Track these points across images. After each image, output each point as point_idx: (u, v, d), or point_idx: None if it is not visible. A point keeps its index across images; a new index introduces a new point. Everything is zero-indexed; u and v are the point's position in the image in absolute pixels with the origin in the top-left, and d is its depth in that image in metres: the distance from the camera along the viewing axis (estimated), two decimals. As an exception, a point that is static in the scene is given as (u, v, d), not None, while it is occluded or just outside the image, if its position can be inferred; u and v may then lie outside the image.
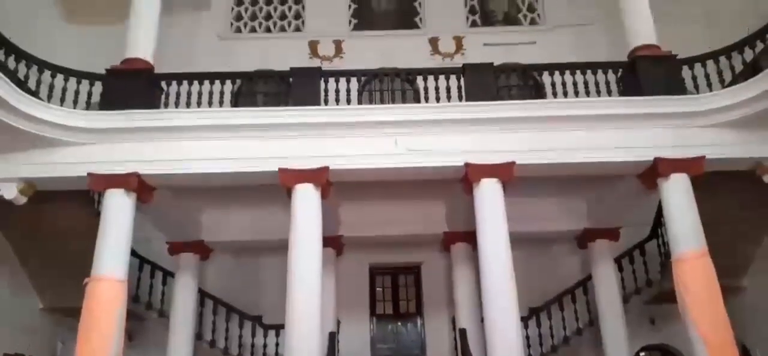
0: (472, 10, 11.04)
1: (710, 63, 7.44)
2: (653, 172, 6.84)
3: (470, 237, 7.99)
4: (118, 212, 6.66)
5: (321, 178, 6.89)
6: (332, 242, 8.66)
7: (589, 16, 10.33)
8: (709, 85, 7.32)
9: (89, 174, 6.69)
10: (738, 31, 7.79)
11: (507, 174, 6.86)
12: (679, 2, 9.89)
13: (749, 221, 7.70)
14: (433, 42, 10.64)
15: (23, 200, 6.76)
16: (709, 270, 6.36)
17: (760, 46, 7.29)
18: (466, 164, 6.87)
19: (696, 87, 7.32)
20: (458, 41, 10.60)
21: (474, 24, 10.96)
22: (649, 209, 8.50)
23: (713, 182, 6.79)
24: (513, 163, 6.84)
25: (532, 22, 10.90)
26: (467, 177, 6.94)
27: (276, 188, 6.97)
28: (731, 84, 7.10)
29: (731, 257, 7.67)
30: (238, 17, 11.02)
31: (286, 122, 7.11)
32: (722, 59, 7.43)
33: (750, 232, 7.93)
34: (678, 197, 6.70)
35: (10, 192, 6.66)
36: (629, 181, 7.45)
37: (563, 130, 6.95)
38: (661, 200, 7.05)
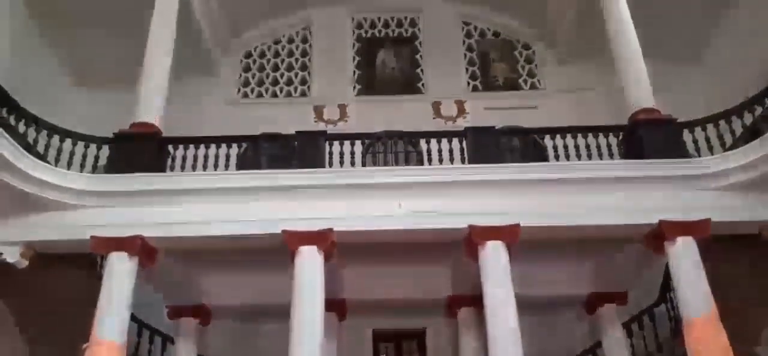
0: (473, 76, 11.30)
1: (710, 127, 7.53)
2: (659, 235, 6.80)
3: (476, 302, 7.84)
4: (120, 275, 6.60)
5: (325, 240, 6.86)
6: (335, 306, 8.51)
7: (588, 81, 10.54)
8: (711, 149, 7.38)
9: (92, 237, 6.68)
10: (736, 96, 7.96)
11: (511, 236, 6.82)
12: (677, 68, 10.11)
13: (760, 286, 7.55)
14: (436, 106, 10.84)
15: (25, 263, 6.72)
16: (720, 335, 6.20)
17: (758, 109, 7.40)
18: (470, 227, 6.85)
19: (697, 150, 7.38)
20: (460, 105, 10.80)
21: (475, 89, 11.19)
22: (656, 272, 8.39)
23: (721, 246, 6.73)
24: (517, 225, 6.82)
25: (533, 87, 11.13)
26: (471, 239, 6.90)
27: (279, 251, 6.92)
28: (732, 148, 7.16)
29: (743, 323, 7.47)
30: (246, 83, 11.29)
31: (290, 184, 7.17)
32: (722, 123, 7.53)
33: (761, 297, 7.77)
34: (685, 260, 6.63)
35: (13, 256, 6.64)
36: (635, 244, 7.39)
37: (567, 193, 6.97)
38: (668, 263, 6.97)
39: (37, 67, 9.55)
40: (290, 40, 11.71)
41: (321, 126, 10.30)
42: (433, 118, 10.72)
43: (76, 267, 7.38)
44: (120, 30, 9.53)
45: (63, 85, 10.30)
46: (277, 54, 11.57)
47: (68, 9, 9.42)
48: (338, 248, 7.08)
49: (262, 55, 11.57)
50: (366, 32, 11.80)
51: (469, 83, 11.21)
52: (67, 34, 9.84)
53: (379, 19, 11.89)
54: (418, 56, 11.58)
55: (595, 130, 7.76)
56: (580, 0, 9.64)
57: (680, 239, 6.67)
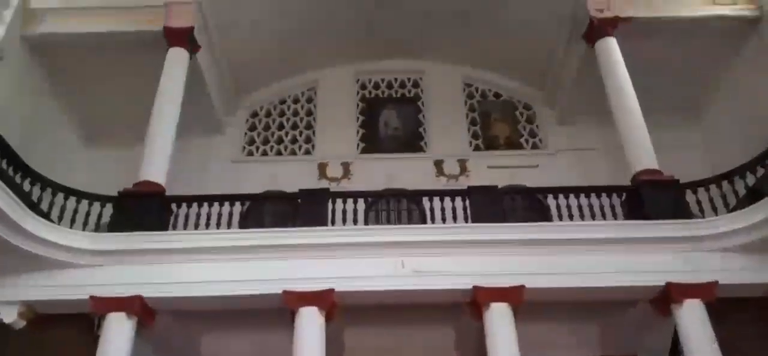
0: (474, 136, 11.40)
1: (713, 188, 7.56)
2: (666, 297, 6.71)
3: (481, 366, 7.65)
4: (117, 336, 6.51)
5: (326, 301, 6.78)
6: (336, 370, 8.30)
7: (589, 141, 10.61)
8: (714, 210, 7.38)
9: (91, 297, 6.63)
10: (736, 155, 8.01)
11: (516, 298, 6.73)
12: (676, 126, 10.19)
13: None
14: (438, 164, 10.88)
15: (22, 323, 6.64)
16: (735, 403, 6.01)
17: (760, 171, 7.42)
18: (475, 288, 6.77)
19: (701, 211, 7.37)
20: (463, 164, 10.84)
21: (477, 148, 11.25)
22: (666, 334, 8.18)
23: (729, 309, 6.61)
24: (522, 286, 6.74)
25: (534, 146, 11.18)
26: (476, 301, 6.81)
27: (279, 311, 6.83)
28: (736, 208, 7.15)
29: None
30: (251, 142, 11.40)
31: (292, 242, 7.15)
32: (725, 184, 7.55)
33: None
34: (693, 323, 6.53)
35: (10, 315, 6.56)
36: (643, 306, 7.26)
37: (572, 253, 6.93)
38: (676, 326, 6.84)
39: (49, 126, 9.67)
40: (296, 100, 11.89)
41: (324, 183, 10.35)
42: (436, 176, 10.74)
43: (73, 327, 7.26)
44: (130, 89, 9.71)
45: (73, 143, 10.39)
46: (282, 113, 11.73)
47: (81, 68, 9.60)
48: (340, 309, 6.97)
49: (268, 114, 11.72)
50: (370, 92, 12.00)
51: (471, 142, 11.28)
52: (79, 93, 10.00)
53: (382, 80, 12.11)
54: (420, 116, 11.73)
55: (598, 190, 7.78)
56: (579, 62, 9.83)
57: (687, 302, 6.59)
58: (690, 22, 9.21)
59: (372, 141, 11.46)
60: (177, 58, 8.70)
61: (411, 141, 11.48)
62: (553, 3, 9.75)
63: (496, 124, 11.55)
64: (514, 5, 10.27)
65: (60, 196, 7.55)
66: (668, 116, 9.97)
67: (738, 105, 9.78)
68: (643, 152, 7.73)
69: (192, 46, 9.02)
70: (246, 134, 11.45)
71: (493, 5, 10.44)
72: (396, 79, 12.11)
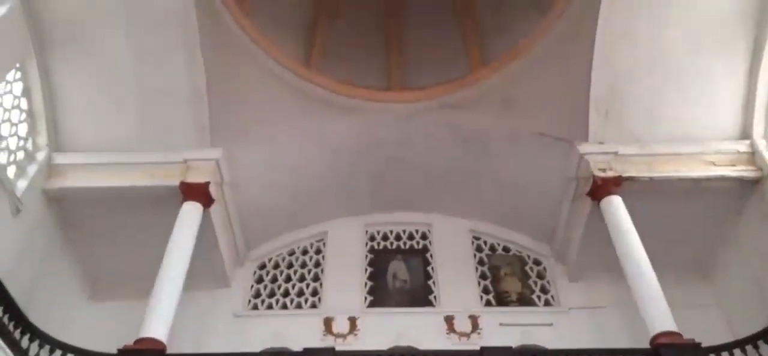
0: (485, 290, 11.17)
1: (737, 352, 7.21)
2: None
3: None
4: None
5: None
6: None
7: (602, 298, 10.34)
8: (743, 376, 6.97)
9: None
10: (751, 316, 7.72)
11: None
12: (689, 286, 9.97)
13: None
14: (449, 320, 10.55)
15: None
16: None
17: (784, 334, 7.14)
18: None
19: (728, 378, 6.97)
20: (474, 320, 10.50)
21: (488, 303, 10.97)
22: None
23: None
24: None
25: (547, 303, 10.89)
26: None
27: None
28: (764, 375, 6.77)
29: None
30: (257, 294, 11.22)
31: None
32: (749, 348, 7.21)
33: None
34: None
35: None
36: None
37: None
38: None
39: (56, 277, 9.60)
40: (304, 251, 11.89)
41: (330, 340, 9.98)
42: (447, 333, 10.35)
43: None
44: (140, 242, 9.80)
45: (78, 295, 10.25)
46: (290, 265, 11.65)
47: (94, 220, 9.77)
48: None
49: (276, 266, 11.66)
50: (378, 244, 12.04)
51: (482, 297, 11.03)
52: (89, 245, 10.07)
53: (391, 231, 12.21)
54: (429, 268, 11.63)
55: (618, 353, 7.45)
56: (586, 219, 9.88)
57: None
58: (692, 182, 9.41)
59: (380, 294, 11.24)
60: (190, 213, 8.91)
61: (420, 295, 11.25)
62: (556, 163, 10.07)
63: (507, 278, 11.38)
64: (517, 165, 10.63)
65: (58, 353, 7.33)
66: (679, 272, 9.80)
67: (747, 264, 9.59)
68: (659, 313, 7.51)
69: (206, 201, 9.26)
70: (252, 286, 11.29)
71: (497, 165, 10.82)
72: (404, 231, 12.21)
